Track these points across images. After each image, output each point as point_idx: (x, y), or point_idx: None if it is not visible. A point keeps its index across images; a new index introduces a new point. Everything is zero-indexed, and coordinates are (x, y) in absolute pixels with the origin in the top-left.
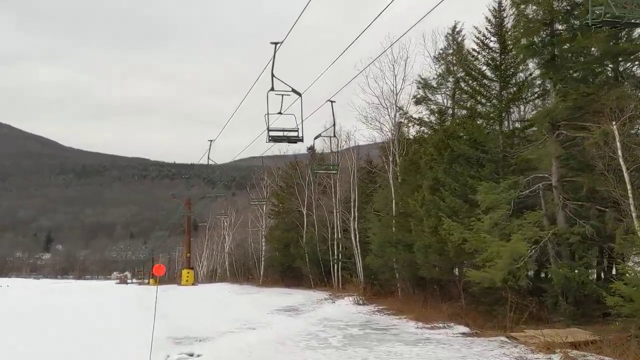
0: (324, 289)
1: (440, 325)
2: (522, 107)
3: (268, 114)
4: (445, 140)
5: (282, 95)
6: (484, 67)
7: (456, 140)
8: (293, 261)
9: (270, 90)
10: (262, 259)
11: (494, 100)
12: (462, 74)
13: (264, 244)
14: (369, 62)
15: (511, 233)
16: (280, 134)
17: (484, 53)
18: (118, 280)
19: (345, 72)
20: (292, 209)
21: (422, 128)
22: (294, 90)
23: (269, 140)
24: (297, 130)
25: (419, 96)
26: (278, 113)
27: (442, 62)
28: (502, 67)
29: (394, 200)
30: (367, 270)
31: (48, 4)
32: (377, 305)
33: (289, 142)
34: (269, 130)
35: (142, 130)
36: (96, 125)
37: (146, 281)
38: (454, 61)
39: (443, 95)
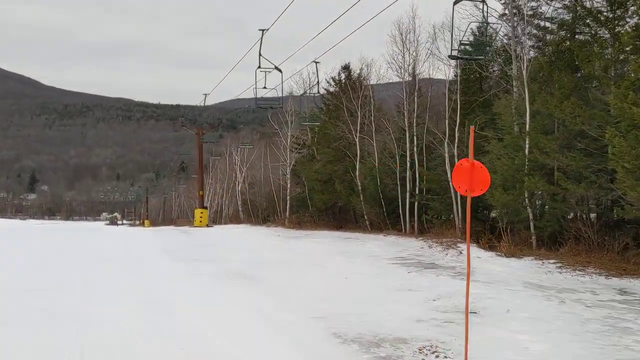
0: (390, 233)
1: None
2: None
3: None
4: None
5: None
6: None
7: None
8: (338, 199)
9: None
10: (288, 198)
11: None
12: None
13: (289, 181)
14: None
15: None
16: (265, 102)
17: None
18: (108, 222)
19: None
20: (336, 136)
21: None
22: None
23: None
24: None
25: None
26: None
27: None
28: None
29: (528, 112)
30: (480, 211)
31: None
32: (539, 259)
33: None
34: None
35: (125, 71)
36: (78, 65)
37: (138, 222)
38: None
39: None
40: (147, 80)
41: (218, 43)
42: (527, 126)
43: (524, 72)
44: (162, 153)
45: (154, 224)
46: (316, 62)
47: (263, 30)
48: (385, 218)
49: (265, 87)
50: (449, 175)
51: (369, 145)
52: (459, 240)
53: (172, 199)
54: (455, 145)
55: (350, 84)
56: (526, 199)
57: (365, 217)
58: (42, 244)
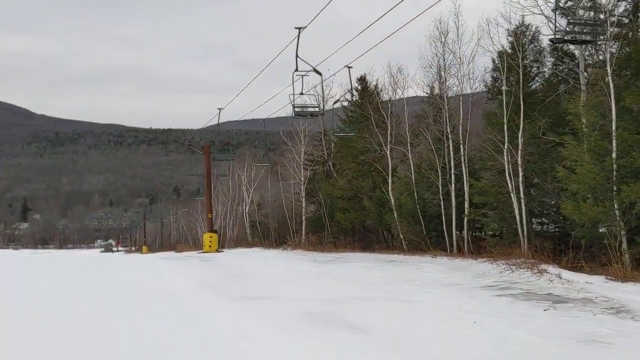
0: (435, 254)
1: None
2: None
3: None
4: None
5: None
6: None
7: None
8: (366, 217)
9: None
10: (304, 218)
11: None
12: None
13: (303, 200)
14: None
15: None
16: (302, 110)
17: None
18: (103, 249)
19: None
20: (362, 148)
21: None
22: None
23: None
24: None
25: None
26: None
27: None
28: None
29: (613, 110)
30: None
31: None
32: None
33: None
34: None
35: (115, 97)
36: (68, 93)
37: (134, 249)
38: None
39: None
40: (137, 106)
41: (207, 67)
42: (614, 125)
43: (608, 65)
44: (155, 178)
45: (151, 249)
46: (349, 67)
47: (300, 29)
48: (425, 237)
49: (302, 93)
50: (510, 186)
51: (403, 157)
52: (535, 261)
53: (170, 224)
54: (519, 152)
55: (376, 92)
56: (617, 211)
57: (402, 236)
58: (52, 281)
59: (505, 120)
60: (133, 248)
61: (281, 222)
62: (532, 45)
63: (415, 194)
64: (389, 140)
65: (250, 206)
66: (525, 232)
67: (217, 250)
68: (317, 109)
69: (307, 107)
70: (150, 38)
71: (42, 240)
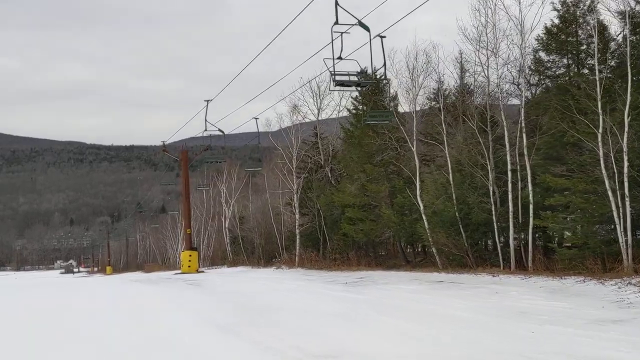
0: (486, 270)
1: None
2: None
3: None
4: None
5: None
6: None
7: None
8: (385, 228)
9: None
10: (297, 232)
11: None
12: None
13: (297, 211)
14: None
15: None
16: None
17: None
18: (63, 270)
19: None
20: (379, 147)
21: None
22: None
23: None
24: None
25: None
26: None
27: None
28: None
29: None
30: None
31: None
32: None
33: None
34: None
35: (75, 114)
36: (25, 110)
37: (96, 269)
38: None
39: None
40: (99, 123)
41: (170, 83)
42: None
43: None
44: (117, 195)
45: (116, 270)
46: (382, 37)
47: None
48: (467, 250)
49: (340, 58)
50: (606, 182)
51: (430, 156)
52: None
53: (137, 242)
54: (625, 136)
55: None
56: None
57: (434, 249)
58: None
59: (598, 95)
60: (96, 269)
61: (267, 238)
62: None
63: (454, 197)
64: (415, 133)
65: (231, 220)
66: (629, 242)
67: (197, 271)
68: (362, 79)
69: (350, 74)
70: (110, 54)
71: None
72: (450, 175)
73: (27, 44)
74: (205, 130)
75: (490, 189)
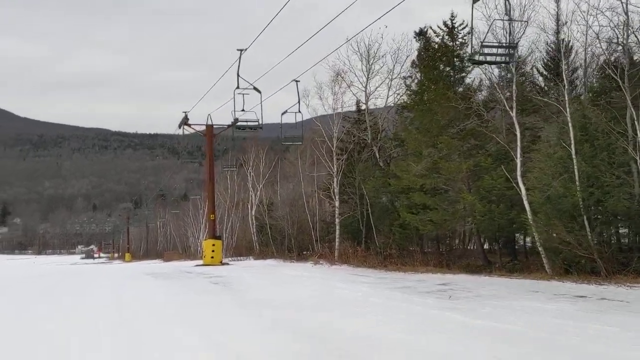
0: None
1: None
2: None
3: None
4: None
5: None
6: None
7: None
8: (462, 219)
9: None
10: (337, 222)
11: None
12: None
13: (337, 197)
14: None
15: None
16: (245, 124)
17: None
18: (84, 255)
19: None
20: (455, 115)
21: None
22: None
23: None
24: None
25: None
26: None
27: None
28: None
29: None
30: None
31: None
32: None
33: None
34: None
35: (102, 102)
36: (53, 96)
37: (116, 255)
38: None
39: None
40: (124, 111)
41: (190, 72)
42: None
43: None
44: (140, 182)
45: (135, 257)
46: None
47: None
48: (593, 248)
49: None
50: None
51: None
52: None
53: (157, 229)
54: None
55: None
56: None
57: (541, 249)
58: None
59: None
60: (116, 255)
61: (299, 227)
62: None
63: (577, 178)
64: (514, 92)
65: (259, 207)
66: None
67: (220, 262)
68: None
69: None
70: (137, 44)
71: (21, 245)
72: (573, 147)
73: (54, 31)
74: (238, 87)
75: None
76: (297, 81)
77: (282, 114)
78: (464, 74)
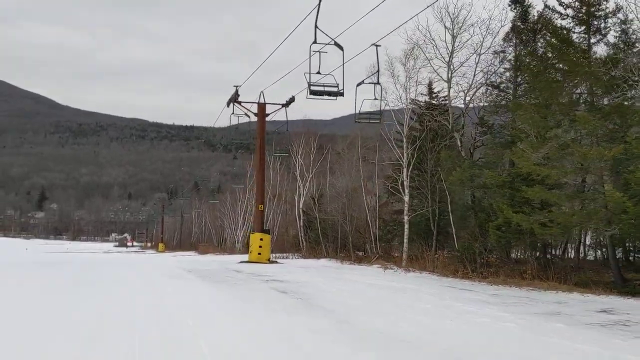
0: None
1: None
2: None
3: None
4: None
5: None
6: None
7: None
8: (593, 224)
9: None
10: (406, 219)
11: None
12: None
13: (407, 191)
14: None
15: None
16: (321, 88)
17: None
18: (117, 243)
19: None
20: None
21: None
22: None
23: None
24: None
25: None
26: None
27: None
28: None
29: None
30: None
31: None
32: None
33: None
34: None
35: (140, 92)
36: (94, 86)
37: (150, 245)
38: None
39: None
40: (162, 102)
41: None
42: None
43: None
44: (175, 173)
45: (168, 247)
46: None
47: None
48: None
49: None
50: None
51: None
52: None
53: (192, 219)
54: None
55: None
56: None
57: None
58: None
59: None
60: (149, 244)
61: (358, 225)
62: None
63: None
64: None
65: (306, 200)
66: None
67: (268, 260)
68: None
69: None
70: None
71: (56, 230)
72: None
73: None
74: (315, 42)
75: None
76: (377, 45)
77: (358, 85)
78: (601, 36)
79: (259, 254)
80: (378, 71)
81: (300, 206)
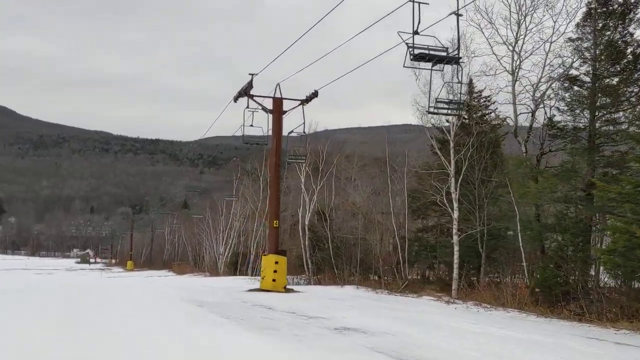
0: None
1: None
2: None
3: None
4: None
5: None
6: None
7: None
8: None
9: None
10: (455, 241)
11: None
12: None
13: (455, 205)
14: None
15: None
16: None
17: None
18: (79, 260)
19: None
20: None
21: None
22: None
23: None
24: (447, 49)
25: None
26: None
27: None
28: None
29: None
30: None
31: None
32: None
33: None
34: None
35: (105, 104)
36: (56, 97)
37: (114, 262)
38: None
39: None
40: (127, 114)
41: (198, 80)
42: None
43: None
44: (140, 187)
45: (136, 265)
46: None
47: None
48: None
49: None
50: None
51: None
52: None
53: (164, 236)
54: None
55: None
56: None
57: None
58: None
59: None
60: (113, 261)
61: (365, 248)
62: None
63: None
64: None
65: (312, 216)
66: None
67: (284, 289)
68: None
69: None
70: (143, 48)
71: (14, 245)
72: None
73: (61, 32)
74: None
75: None
76: (459, 15)
77: (433, 63)
78: None
79: (274, 280)
80: (459, 47)
81: (306, 222)
